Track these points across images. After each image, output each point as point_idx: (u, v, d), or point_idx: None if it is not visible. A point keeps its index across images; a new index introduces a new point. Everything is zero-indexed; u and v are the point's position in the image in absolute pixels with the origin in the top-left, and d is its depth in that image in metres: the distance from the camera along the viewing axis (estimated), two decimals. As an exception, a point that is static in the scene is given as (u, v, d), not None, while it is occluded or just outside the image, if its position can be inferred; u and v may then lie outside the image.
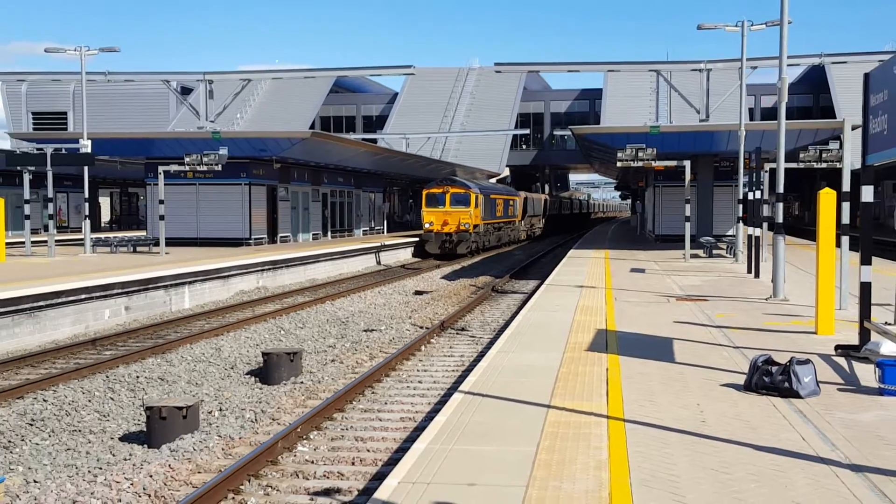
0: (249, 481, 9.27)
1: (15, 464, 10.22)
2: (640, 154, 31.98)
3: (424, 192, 44.56)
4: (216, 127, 50.96)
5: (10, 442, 11.13)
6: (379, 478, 9.18)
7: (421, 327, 20.50)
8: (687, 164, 32.77)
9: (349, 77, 75.47)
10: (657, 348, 12.88)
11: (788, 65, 19.71)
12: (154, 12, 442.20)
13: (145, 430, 11.14)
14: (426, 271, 36.50)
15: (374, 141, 66.34)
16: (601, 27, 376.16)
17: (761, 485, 6.74)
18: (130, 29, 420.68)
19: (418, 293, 28.13)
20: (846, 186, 15.84)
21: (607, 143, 41.58)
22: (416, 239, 47.27)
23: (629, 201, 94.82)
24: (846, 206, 15.31)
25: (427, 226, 43.10)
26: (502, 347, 13.28)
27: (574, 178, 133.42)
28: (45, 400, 13.11)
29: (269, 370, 14.71)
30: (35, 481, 9.48)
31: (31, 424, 11.90)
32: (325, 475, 9.53)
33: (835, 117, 58.45)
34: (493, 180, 66.62)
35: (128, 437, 11.38)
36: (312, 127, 72.08)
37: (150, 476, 9.43)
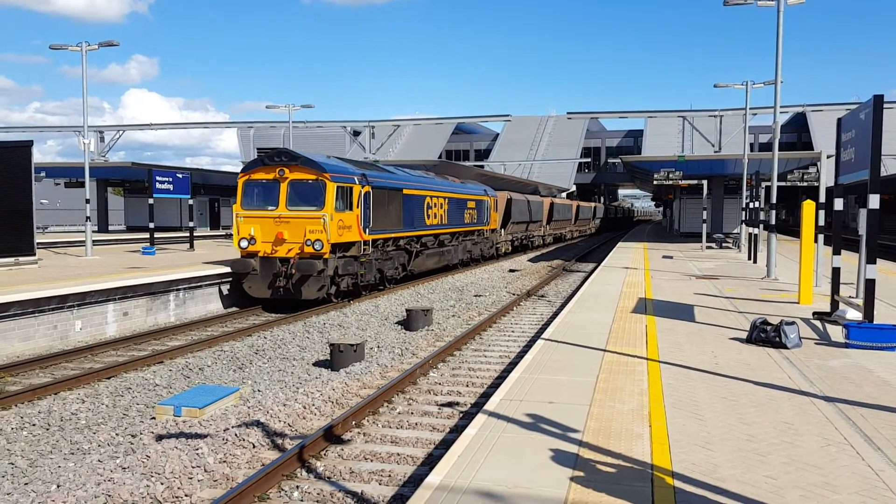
0: (397, 395, 9.41)
1: (246, 379, 10.63)
2: (671, 175, 31.61)
3: (241, 181, 16.97)
4: (376, 157, 51.83)
5: (242, 364, 11.58)
6: (486, 396, 9.21)
7: (513, 294, 20.43)
8: (704, 182, 32.03)
9: (465, 123, 75.35)
10: (682, 312, 12.55)
11: (780, 112, 19.10)
12: (335, 79, 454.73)
13: (329, 358, 11.40)
14: (516, 255, 36.29)
15: (482, 166, 66.10)
16: (643, 84, 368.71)
17: (759, 409, 6.51)
18: (321, 90, 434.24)
19: (512, 271, 28.02)
20: (822, 199, 15.23)
21: (647, 168, 40.63)
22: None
23: (661, 208, 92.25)
24: (822, 212, 14.72)
25: (243, 245, 16.58)
26: (571, 309, 13.13)
27: (622, 192, 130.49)
28: (265, 337, 13.58)
29: (410, 321, 14.87)
30: (259, 391, 9.82)
31: (256, 353, 12.34)
32: (448, 393, 9.60)
33: (812, 150, 55.87)
34: (564, 195, 65.21)
35: (318, 364, 11.68)
36: (440, 157, 72.36)
37: (333, 389, 9.66)
